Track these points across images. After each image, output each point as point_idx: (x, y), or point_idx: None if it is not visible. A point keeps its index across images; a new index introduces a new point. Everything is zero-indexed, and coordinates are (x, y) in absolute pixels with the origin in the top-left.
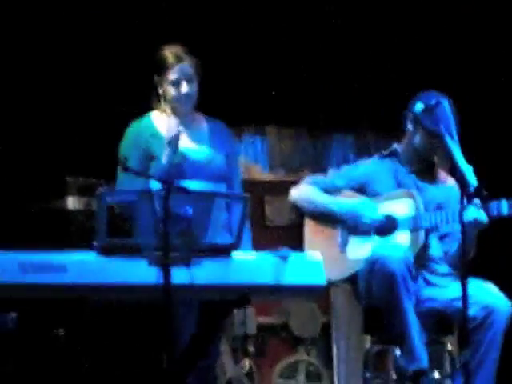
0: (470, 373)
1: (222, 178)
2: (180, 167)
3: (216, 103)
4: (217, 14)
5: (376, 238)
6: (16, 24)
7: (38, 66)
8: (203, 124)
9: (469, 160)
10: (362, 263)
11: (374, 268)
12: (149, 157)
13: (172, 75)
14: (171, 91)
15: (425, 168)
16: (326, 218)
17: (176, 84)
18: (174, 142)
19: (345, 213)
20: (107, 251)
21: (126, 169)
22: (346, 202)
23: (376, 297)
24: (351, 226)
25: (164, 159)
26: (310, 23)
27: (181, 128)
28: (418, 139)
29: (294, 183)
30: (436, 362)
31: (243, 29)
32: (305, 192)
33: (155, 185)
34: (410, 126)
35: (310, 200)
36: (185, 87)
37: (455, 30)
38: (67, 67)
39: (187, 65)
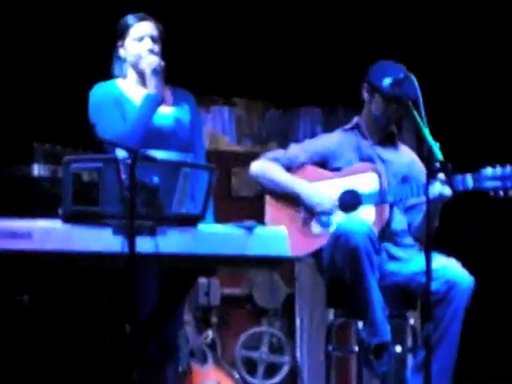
0: (431, 347)
1: (189, 148)
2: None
3: (184, 73)
4: None
5: (340, 213)
6: None
7: (5, 31)
8: (167, 92)
9: (434, 136)
10: (326, 238)
11: (338, 242)
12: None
13: (135, 33)
14: (134, 48)
15: (386, 139)
16: (284, 197)
17: (139, 40)
18: (159, 71)
19: (302, 198)
20: (73, 219)
21: (96, 138)
22: (303, 188)
23: (339, 271)
24: (308, 209)
25: (151, 89)
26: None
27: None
28: (375, 108)
29: (261, 155)
30: (398, 336)
31: (218, 2)
32: (265, 168)
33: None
34: (366, 96)
35: (269, 178)
36: (149, 43)
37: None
38: (35, 33)
39: (151, 24)
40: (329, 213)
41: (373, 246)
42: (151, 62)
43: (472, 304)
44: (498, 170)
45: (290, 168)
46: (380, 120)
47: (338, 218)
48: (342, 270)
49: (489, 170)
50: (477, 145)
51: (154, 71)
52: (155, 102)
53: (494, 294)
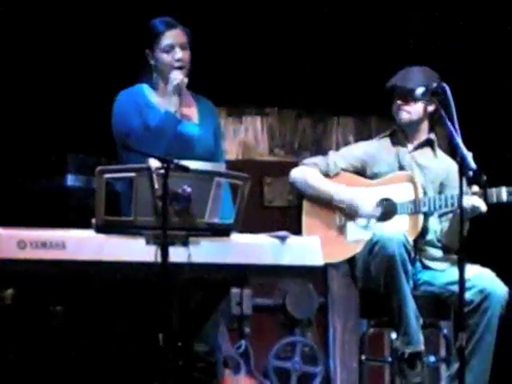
0: (465, 357)
1: (212, 157)
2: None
3: (218, 83)
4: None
5: (374, 221)
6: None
7: (40, 44)
8: (191, 101)
9: (468, 147)
10: (361, 246)
11: (374, 250)
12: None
13: (165, 41)
14: (164, 58)
15: (424, 145)
16: (322, 203)
17: (169, 50)
18: (178, 89)
19: (343, 202)
20: (105, 229)
21: (127, 147)
22: (345, 192)
23: (374, 279)
24: (348, 214)
25: (171, 106)
26: (311, 9)
27: (182, 76)
28: (408, 118)
29: (294, 164)
30: (432, 345)
31: (248, 14)
32: (305, 175)
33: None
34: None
35: (309, 184)
36: (178, 53)
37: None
38: (67, 48)
39: (180, 32)
40: (370, 216)
41: (408, 254)
42: (175, 78)
43: (507, 314)
44: None
45: (328, 174)
46: (406, 127)
47: (373, 226)
48: (376, 277)
49: None
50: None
51: (176, 87)
52: (173, 120)
53: None
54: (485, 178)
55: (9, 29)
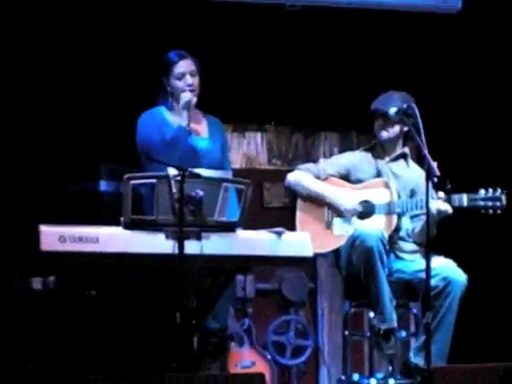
0: (430, 332)
1: (219, 166)
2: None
3: (225, 105)
4: (229, 32)
5: (356, 219)
6: (48, 15)
7: (80, 62)
8: (202, 119)
9: (433, 157)
10: (345, 239)
11: (355, 243)
12: (163, 140)
13: (178, 70)
14: (177, 84)
15: (399, 157)
16: (313, 201)
17: (181, 77)
18: (187, 105)
19: (330, 199)
20: (132, 226)
21: (150, 158)
22: (332, 193)
23: (355, 267)
24: (334, 210)
25: (182, 121)
26: (302, 43)
27: (191, 96)
28: (386, 136)
29: (288, 172)
30: (403, 322)
31: (250, 49)
32: (299, 178)
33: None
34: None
35: (303, 185)
36: (189, 79)
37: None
38: (101, 82)
39: (190, 61)
40: (352, 215)
41: (384, 247)
42: (185, 96)
43: (466, 297)
44: (490, 192)
45: (318, 178)
46: (385, 143)
47: (354, 223)
48: (357, 266)
49: (482, 192)
50: (472, 167)
51: (186, 104)
52: (184, 132)
53: (484, 288)
54: (449, 185)
55: (53, 48)
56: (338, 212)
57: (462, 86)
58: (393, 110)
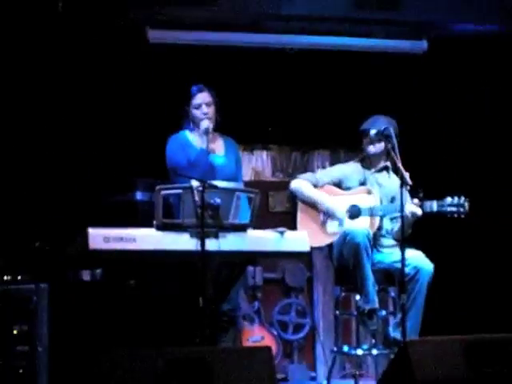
0: (405, 311)
1: (234, 179)
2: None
3: (238, 128)
4: (241, 69)
5: (346, 219)
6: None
7: (125, 94)
8: (219, 139)
9: (406, 168)
10: (337, 236)
11: (346, 239)
12: (187, 159)
13: (195, 101)
14: (195, 112)
15: (382, 169)
16: (311, 205)
17: (198, 107)
18: (206, 131)
19: (323, 205)
20: (163, 228)
21: (177, 174)
22: (326, 199)
23: (345, 259)
24: (327, 214)
25: (203, 144)
26: (300, 79)
27: (209, 123)
28: (373, 151)
29: (289, 182)
30: (383, 303)
31: (259, 86)
32: (300, 185)
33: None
34: (363, 141)
35: (302, 191)
36: (204, 108)
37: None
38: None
39: (206, 94)
40: (341, 216)
41: (369, 243)
42: (203, 124)
43: (433, 282)
44: (456, 199)
45: (316, 185)
46: (371, 156)
47: (345, 223)
48: (347, 259)
49: (449, 199)
50: (440, 178)
51: (205, 131)
52: (205, 153)
53: (447, 275)
54: (421, 193)
55: (97, 82)
56: (330, 214)
57: (433, 112)
58: (373, 132)
